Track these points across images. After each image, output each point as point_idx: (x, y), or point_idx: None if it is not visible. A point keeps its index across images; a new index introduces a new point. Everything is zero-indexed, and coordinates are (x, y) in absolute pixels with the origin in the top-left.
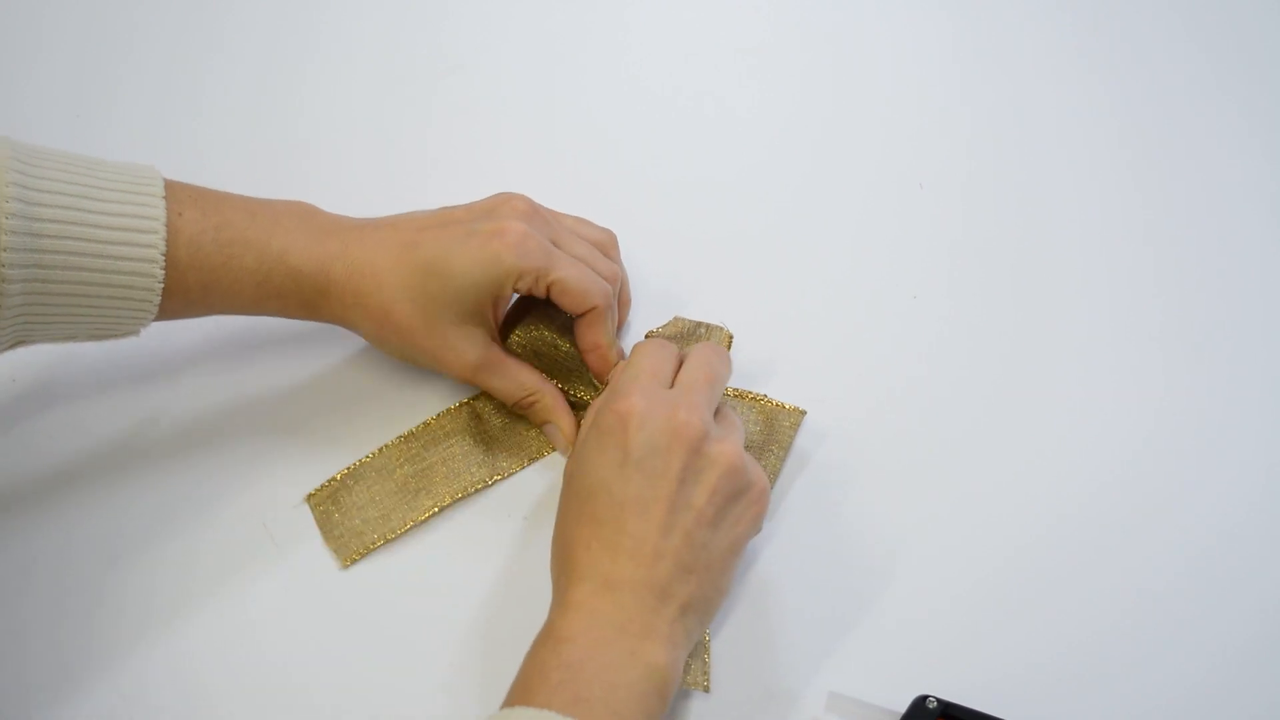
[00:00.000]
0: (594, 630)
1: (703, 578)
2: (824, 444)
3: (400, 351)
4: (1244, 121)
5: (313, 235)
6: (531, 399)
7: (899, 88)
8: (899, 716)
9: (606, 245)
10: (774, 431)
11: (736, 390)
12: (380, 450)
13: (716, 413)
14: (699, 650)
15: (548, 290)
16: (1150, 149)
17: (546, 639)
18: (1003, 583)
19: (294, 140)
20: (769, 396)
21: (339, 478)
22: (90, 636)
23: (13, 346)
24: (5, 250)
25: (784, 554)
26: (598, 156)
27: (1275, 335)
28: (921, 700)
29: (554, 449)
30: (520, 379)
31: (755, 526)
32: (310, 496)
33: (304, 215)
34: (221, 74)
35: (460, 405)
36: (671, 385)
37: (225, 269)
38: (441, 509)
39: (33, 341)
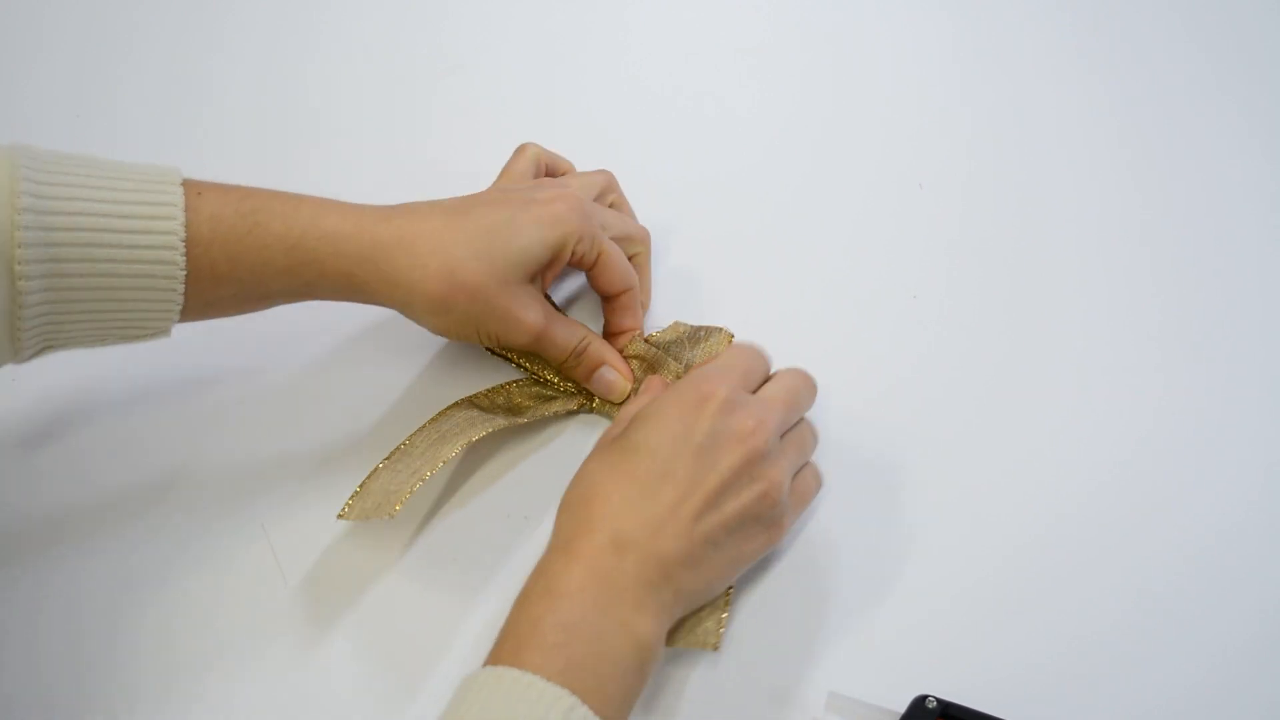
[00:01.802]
0: (592, 590)
1: (704, 575)
2: (823, 444)
3: (462, 319)
4: (1244, 121)
5: (343, 207)
6: (585, 343)
7: (899, 88)
8: (899, 716)
9: (612, 187)
10: None
11: None
12: (395, 450)
13: (795, 432)
14: (715, 607)
15: (595, 261)
16: (1150, 149)
17: (545, 592)
18: (1002, 582)
19: (294, 140)
20: None
21: (359, 487)
22: (92, 647)
23: (41, 352)
24: (20, 246)
25: (784, 554)
26: (598, 156)
27: (1274, 335)
28: (921, 700)
29: (565, 412)
30: (574, 327)
31: (757, 554)
32: (341, 514)
33: (326, 198)
34: (221, 74)
35: (462, 400)
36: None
37: (251, 236)
38: (470, 444)
39: (61, 346)
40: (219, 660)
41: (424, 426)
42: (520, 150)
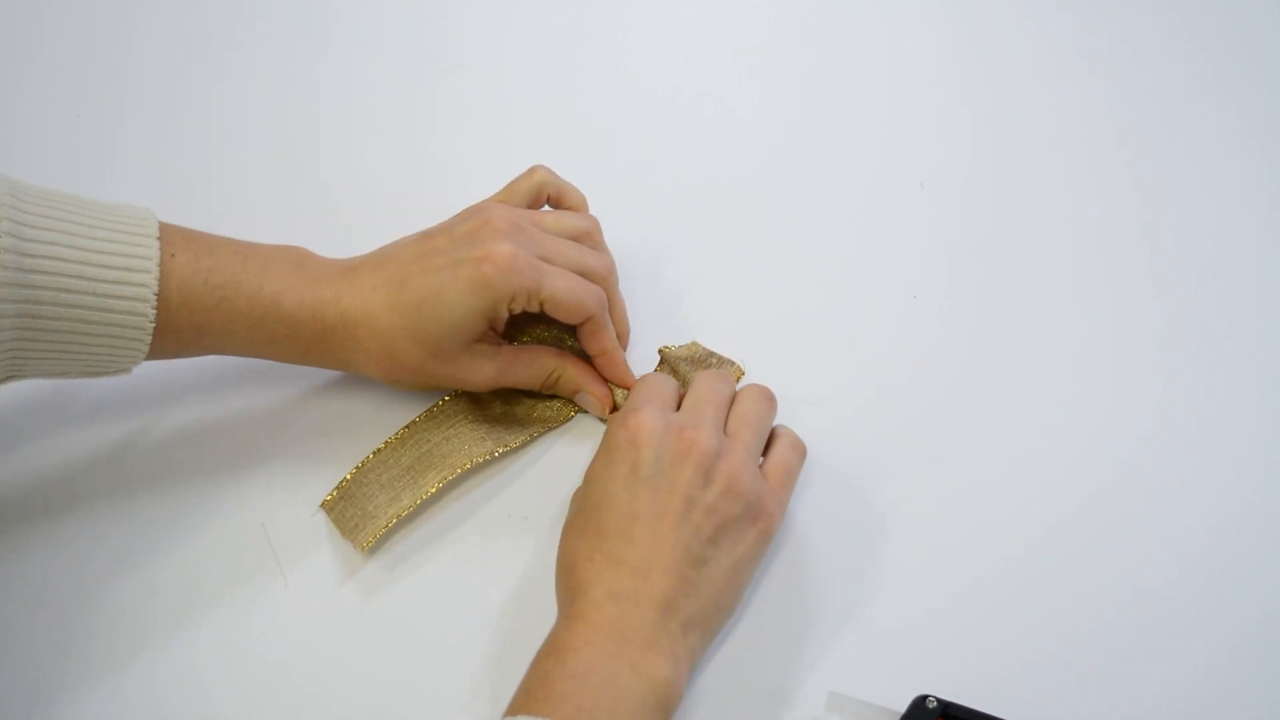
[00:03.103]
0: (597, 641)
1: (705, 595)
2: (824, 443)
3: (416, 384)
4: (1244, 121)
5: (305, 282)
6: (555, 376)
7: (899, 88)
8: (899, 716)
9: (592, 234)
10: None
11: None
12: (384, 445)
13: (736, 413)
14: None
15: (541, 306)
16: (1150, 149)
17: (550, 650)
18: (1002, 582)
19: (294, 140)
20: None
21: (348, 479)
22: (94, 647)
23: (4, 381)
24: None
25: (784, 554)
26: (598, 157)
27: (1274, 335)
28: (921, 700)
29: (560, 420)
30: (540, 362)
31: (759, 549)
32: (324, 504)
33: (295, 261)
34: (222, 74)
35: (459, 393)
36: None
37: (217, 311)
38: (450, 479)
39: (25, 376)
40: (217, 659)
41: (418, 420)
42: (530, 172)
